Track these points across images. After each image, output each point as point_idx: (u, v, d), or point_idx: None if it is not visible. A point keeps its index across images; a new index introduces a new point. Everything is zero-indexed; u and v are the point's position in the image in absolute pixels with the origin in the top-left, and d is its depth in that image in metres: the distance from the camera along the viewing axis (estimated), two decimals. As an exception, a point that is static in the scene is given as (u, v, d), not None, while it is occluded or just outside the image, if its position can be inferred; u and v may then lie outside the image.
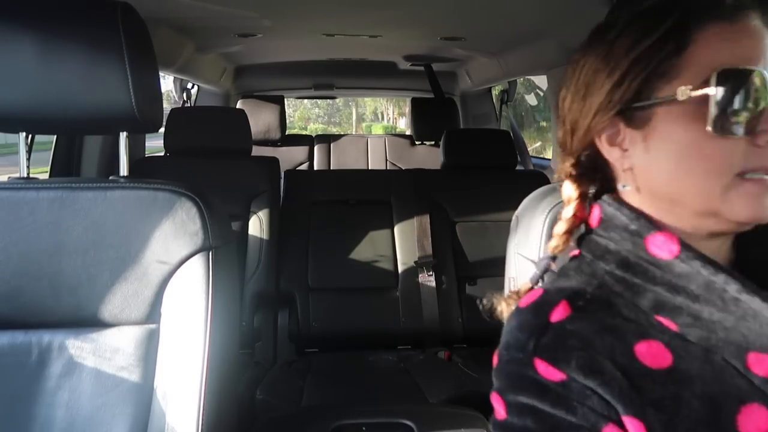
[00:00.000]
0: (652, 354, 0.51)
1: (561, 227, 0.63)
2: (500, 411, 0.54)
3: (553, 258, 0.64)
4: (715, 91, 0.51)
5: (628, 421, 0.49)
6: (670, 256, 0.54)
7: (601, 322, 0.53)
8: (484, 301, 0.64)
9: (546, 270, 0.64)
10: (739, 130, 0.51)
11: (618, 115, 0.56)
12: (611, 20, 0.58)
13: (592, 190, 0.63)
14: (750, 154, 0.51)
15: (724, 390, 0.50)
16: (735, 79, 0.51)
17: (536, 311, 0.55)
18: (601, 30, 0.59)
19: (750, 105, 0.51)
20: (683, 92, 0.52)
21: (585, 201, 0.63)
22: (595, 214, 0.61)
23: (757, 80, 0.51)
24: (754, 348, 0.51)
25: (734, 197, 0.52)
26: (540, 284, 0.63)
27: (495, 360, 0.57)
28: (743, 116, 0.51)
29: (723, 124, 0.51)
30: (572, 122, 0.61)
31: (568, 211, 0.63)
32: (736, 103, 0.51)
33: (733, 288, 0.52)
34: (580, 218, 0.63)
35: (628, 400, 0.49)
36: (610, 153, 0.58)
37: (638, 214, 0.57)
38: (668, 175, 0.54)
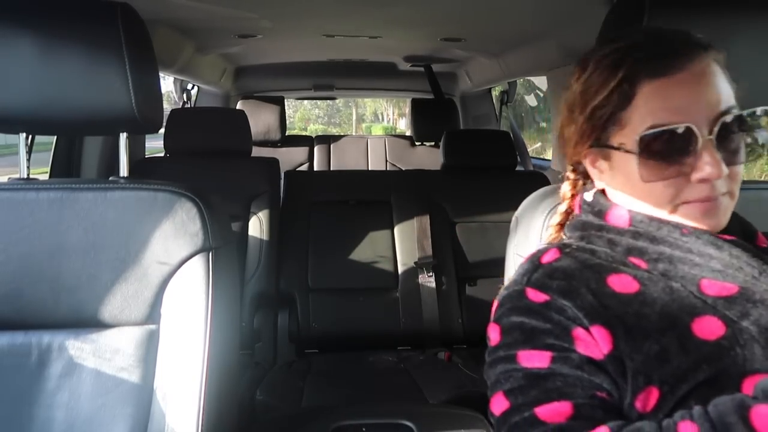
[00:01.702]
0: (621, 283, 0.65)
1: (555, 219, 0.79)
2: (495, 337, 0.68)
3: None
4: (636, 150, 0.64)
5: (595, 330, 0.62)
6: (625, 225, 0.70)
7: (583, 262, 0.68)
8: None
9: None
10: (672, 175, 0.64)
11: (591, 147, 0.70)
12: (589, 54, 0.70)
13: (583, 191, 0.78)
14: (687, 188, 0.64)
15: (680, 307, 0.63)
16: (659, 136, 0.63)
17: (531, 259, 0.71)
18: (584, 61, 0.71)
19: (677, 155, 0.63)
20: (624, 143, 0.65)
21: (575, 199, 0.78)
22: (577, 203, 0.77)
23: (680, 132, 0.62)
24: (704, 276, 0.64)
25: (683, 216, 0.66)
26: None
27: (495, 303, 0.71)
28: (674, 163, 0.63)
29: (655, 172, 0.64)
30: (565, 138, 0.76)
31: (563, 207, 0.79)
32: (665, 155, 0.63)
33: (676, 232, 0.66)
34: (571, 213, 0.78)
35: (596, 314, 0.63)
36: (591, 172, 0.74)
37: (604, 199, 0.73)
38: (629, 200, 0.70)
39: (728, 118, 0.63)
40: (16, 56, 0.90)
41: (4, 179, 1.02)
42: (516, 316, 0.66)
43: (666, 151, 0.63)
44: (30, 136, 1.07)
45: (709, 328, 0.61)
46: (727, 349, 0.60)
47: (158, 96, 1.04)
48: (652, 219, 0.68)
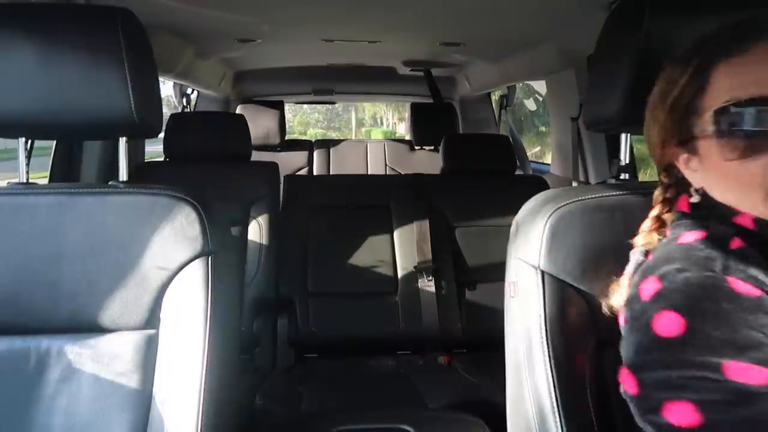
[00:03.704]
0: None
1: (648, 225, 0.74)
2: (674, 329, 0.56)
3: (646, 253, 0.71)
4: (713, 128, 0.61)
5: None
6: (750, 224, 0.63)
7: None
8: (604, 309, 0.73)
9: (640, 264, 0.70)
10: (757, 150, 0.59)
11: (678, 146, 0.67)
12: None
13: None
14: None
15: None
16: (733, 112, 0.60)
17: (710, 242, 0.64)
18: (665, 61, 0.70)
19: (757, 129, 0.58)
20: (705, 129, 0.62)
21: (666, 205, 0.74)
22: (684, 203, 0.71)
23: (757, 107, 0.58)
24: None
25: None
26: (635, 278, 0.68)
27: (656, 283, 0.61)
28: (755, 141, 0.59)
29: (735, 151, 0.60)
30: (650, 142, 0.72)
31: (654, 212, 0.74)
32: (747, 130, 0.59)
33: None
34: (661, 220, 0.73)
35: None
36: (686, 174, 0.69)
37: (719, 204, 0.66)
38: (721, 194, 0.65)
39: None
40: (16, 61, 0.90)
41: (3, 184, 1.02)
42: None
43: (748, 124, 0.59)
44: (29, 141, 1.07)
45: None
46: None
47: (158, 100, 1.04)
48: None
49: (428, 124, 3.33)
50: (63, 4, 0.97)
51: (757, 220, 0.63)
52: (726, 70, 0.62)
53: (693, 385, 0.52)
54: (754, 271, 0.59)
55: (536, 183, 2.18)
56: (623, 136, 0.99)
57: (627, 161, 1.01)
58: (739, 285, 0.58)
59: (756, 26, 0.62)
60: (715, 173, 0.65)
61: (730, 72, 0.61)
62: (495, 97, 3.42)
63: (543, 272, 0.87)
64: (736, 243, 0.63)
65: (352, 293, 2.09)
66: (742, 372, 0.51)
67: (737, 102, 0.59)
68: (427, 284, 2.08)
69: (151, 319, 0.92)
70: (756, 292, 0.57)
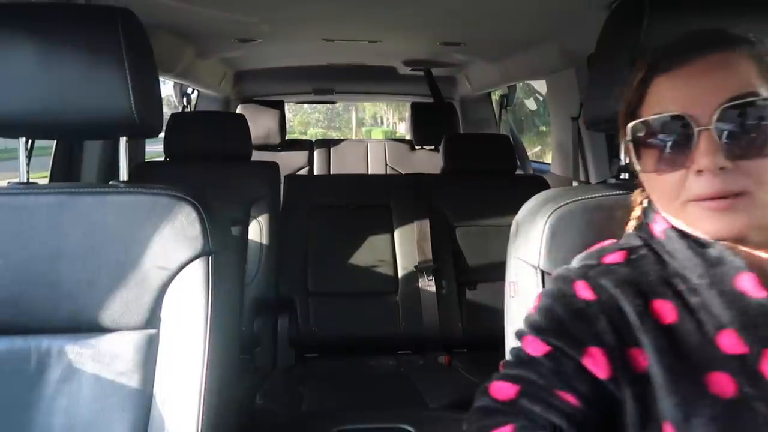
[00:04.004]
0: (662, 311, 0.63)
1: (630, 225, 0.75)
2: (531, 308, 0.68)
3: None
4: (630, 138, 0.64)
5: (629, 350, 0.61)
6: (662, 236, 0.67)
7: (638, 275, 0.65)
8: None
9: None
10: (671, 165, 0.61)
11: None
12: None
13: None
14: (691, 183, 0.60)
15: (700, 355, 0.60)
16: (649, 126, 0.62)
17: (590, 254, 0.70)
18: None
19: (674, 145, 0.61)
20: (626, 138, 0.65)
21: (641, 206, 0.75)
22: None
23: (671, 120, 0.60)
24: (726, 326, 0.60)
25: (688, 219, 0.63)
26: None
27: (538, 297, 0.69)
28: (673, 154, 0.61)
29: (653, 163, 0.63)
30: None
31: (634, 213, 0.75)
32: (661, 145, 0.61)
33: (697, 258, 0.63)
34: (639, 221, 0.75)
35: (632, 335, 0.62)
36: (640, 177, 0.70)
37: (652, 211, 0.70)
38: (654, 199, 0.68)
39: (732, 105, 0.58)
40: (17, 61, 0.90)
41: (3, 184, 1.02)
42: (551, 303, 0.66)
43: (662, 140, 0.61)
44: (30, 141, 1.07)
45: (721, 384, 0.59)
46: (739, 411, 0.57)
47: (158, 100, 1.04)
48: (676, 231, 0.65)
49: (428, 124, 3.33)
50: (63, 3, 0.97)
51: (667, 231, 0.66)
52: (663, 83, 0.62)
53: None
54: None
55: (536, 183, 2.18)
56: (624, 135, 0.99)
57: (627, 161, 1.01)
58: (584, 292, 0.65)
59: (700, 42, 0.62)
60: (646, 183, 0.68)
61: (666, 85, 0.62)
62: (495, 96, 3.42)
63: (543, 272, 0.87)
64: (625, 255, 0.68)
65: (353, 293, 2.09)
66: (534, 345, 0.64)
67: (655, 116, 0.62)
68: (428, 284, 2.09)
69: (152, 319, 0.92)
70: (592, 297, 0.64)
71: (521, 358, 0.64)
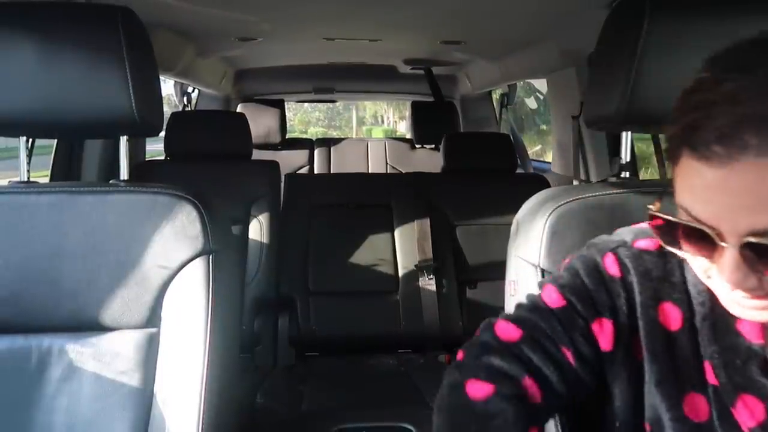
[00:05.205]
0: (667, 316, 0.64)
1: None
2: (558, 272, 0.69)
3: None
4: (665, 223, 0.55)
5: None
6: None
7: (661, 272, 0.65)
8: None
9: None
10: (698, 253, 0.53)
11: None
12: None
13: None
14: (719, 274, 0.52)
15: (687, 371, 0.62)
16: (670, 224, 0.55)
17: (630, 231, 0.69)
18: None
19: (698, 243, 0.52)
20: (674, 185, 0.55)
21: None
22: None
23: (698, 231, 0.51)
24: (711, 358, 0.61)
25: (716, 292, 0.56)
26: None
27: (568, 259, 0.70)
28: (698, 250, 0.53)
29: (674, 240, 0.55)
30: None
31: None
32: (686, 232, 0.53)
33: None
34: None
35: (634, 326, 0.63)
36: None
37: None
38: None
39: (762, 240, 0.48)
40: (17, 60, 0.90)
41: (4, 182, 1.02)
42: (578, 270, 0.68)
43: (688, 233, 0.53)
44: (30, 140, 1.07)
45: (695, 405, 0.61)
46: None
47: (158, 99, 1.04)
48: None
49: (429, 123, 3.33)
50: (63, 2, 0.97)
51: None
52: (688, 166, 0.51)
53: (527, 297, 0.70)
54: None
55: (537, 181, 2.18)
56: (624, 134, 0.99)
57: (628, 159, 1.01)
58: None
59: (736, 139, 0.47)
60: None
61: (689, 173, 0.51)
62: (496, 95, 3.41)
63: (543, 270, 0.87)
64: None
65: (353, 292, 2.09)
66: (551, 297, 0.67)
67: (680, 219, 0.53)
68: (428, 283, 2.09)
69: (152, 318, 0.92)
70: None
71: (536, 304, 0.67)
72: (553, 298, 0.66)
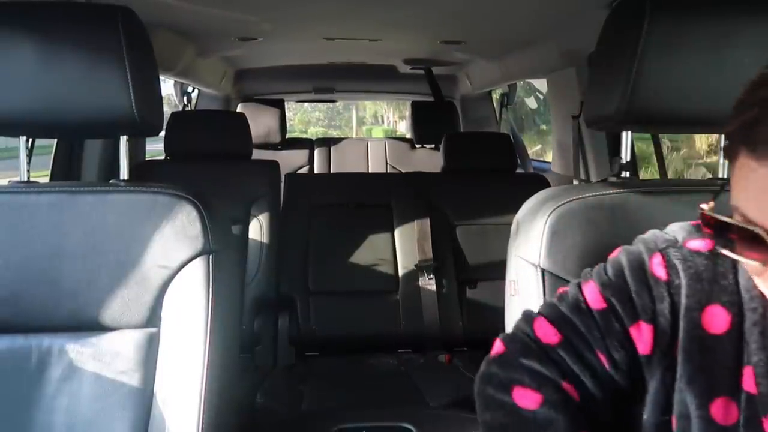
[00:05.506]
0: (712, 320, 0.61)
1: None
2: (602, 265, 0.68)
3: None
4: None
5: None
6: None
7: (712, 274, 0.63)
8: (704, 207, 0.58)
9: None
10: (752, 255, 0.51)
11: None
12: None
13: None
14: None
15: (723, 373, 0.60)
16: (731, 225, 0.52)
17: (683, 228, 0.66)
18: None
19: (744, 248, 0.51)
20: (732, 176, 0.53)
21: None
22: None
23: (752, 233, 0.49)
24: (752, 363, 0.59)
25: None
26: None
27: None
28: (752, 252, 0.51)
29: (727, 242, 0.54)
30: None
31: None
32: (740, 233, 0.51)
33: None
34: None
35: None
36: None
37: None
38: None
39: None
40: (17, 59, 0.90)
41: (4, 182, 1.02)
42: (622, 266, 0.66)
43: (743, 242, 0.52)
44: (30, 140, 1.07)
45: (723, 411, 0.60)
46: None
47: (158, 99, 1.04)
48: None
49: (429, 123, 3.33)
50: (63, 2, 0.97)
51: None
52: (744, 166, 0.49)
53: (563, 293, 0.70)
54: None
55: (537, 181, 2.18)
56: (624, 134, 0.99)
57: (628, 159, 1.01)
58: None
59: None
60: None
61: (747, 174, 0.49)
62: (496, 95, 3.41)
63: (543, 270, 0.87)
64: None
65: (353, 292, 2.09)
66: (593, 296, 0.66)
67: (737, 222, 0.51)
68: (428, 282, 2.08)
69: (152, 318, 0.92)
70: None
71: (578, 304, 0.66)
72: (594, 299, 0.65)
